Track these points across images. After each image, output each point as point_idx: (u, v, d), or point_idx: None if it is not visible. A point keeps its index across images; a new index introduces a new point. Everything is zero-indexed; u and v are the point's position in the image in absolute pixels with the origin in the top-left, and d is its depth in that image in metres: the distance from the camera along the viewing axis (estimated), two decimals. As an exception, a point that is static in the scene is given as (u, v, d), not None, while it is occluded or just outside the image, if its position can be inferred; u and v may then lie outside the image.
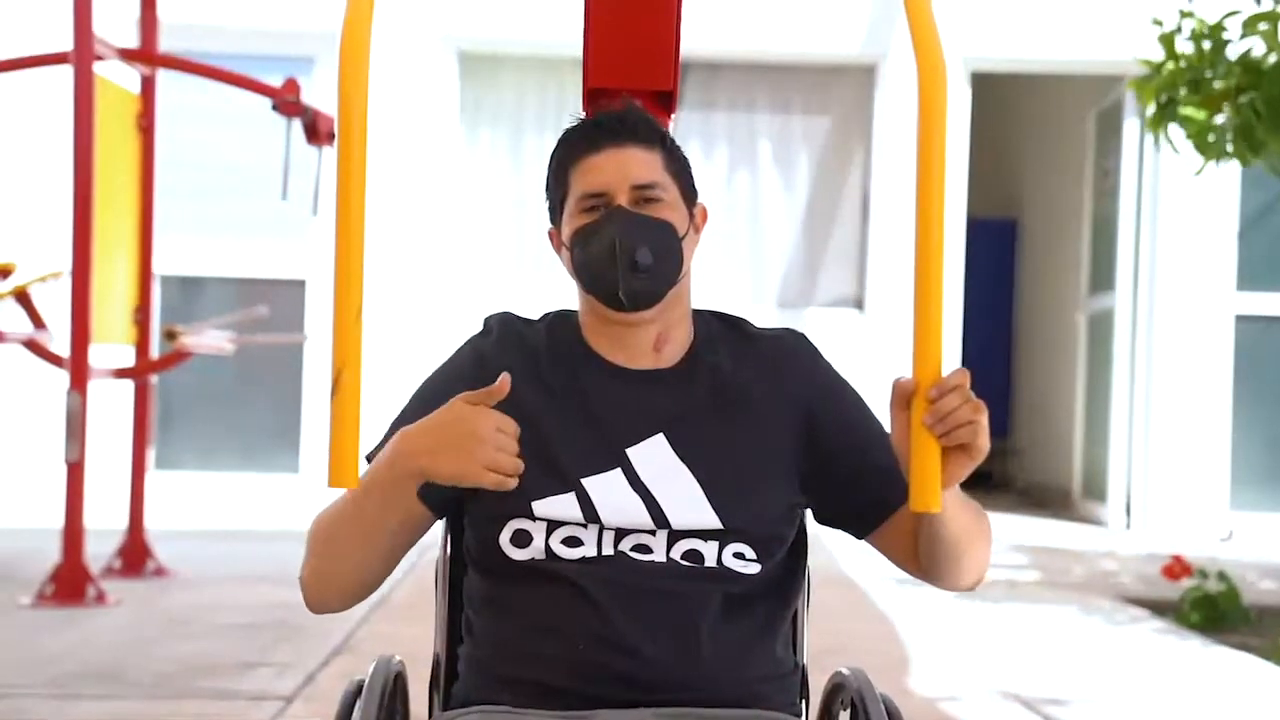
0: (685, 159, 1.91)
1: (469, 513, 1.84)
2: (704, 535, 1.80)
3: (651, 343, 1.87)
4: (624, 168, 1.82)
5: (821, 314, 8.48)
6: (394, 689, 1.82)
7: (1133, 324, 8.56)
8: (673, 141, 1.90)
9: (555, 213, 1.89)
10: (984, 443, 1.64)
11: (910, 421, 1.62)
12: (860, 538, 1.91)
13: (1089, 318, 9.26)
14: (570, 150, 1.86)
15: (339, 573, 1.80)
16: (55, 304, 5.93)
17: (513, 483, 1.65)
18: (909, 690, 4.21)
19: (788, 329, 1.97)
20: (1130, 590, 6.23)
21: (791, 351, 1.92)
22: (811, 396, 1.88)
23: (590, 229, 1.81)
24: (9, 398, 8.13)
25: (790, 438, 1.86)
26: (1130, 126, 8.49)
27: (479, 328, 1.93)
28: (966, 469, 1.65)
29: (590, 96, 2.14)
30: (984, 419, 1.63)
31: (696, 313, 1.94)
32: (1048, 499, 9.75)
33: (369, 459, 1.77)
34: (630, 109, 1.88)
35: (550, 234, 1.92)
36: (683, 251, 1.84)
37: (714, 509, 1.80)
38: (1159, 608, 5.75)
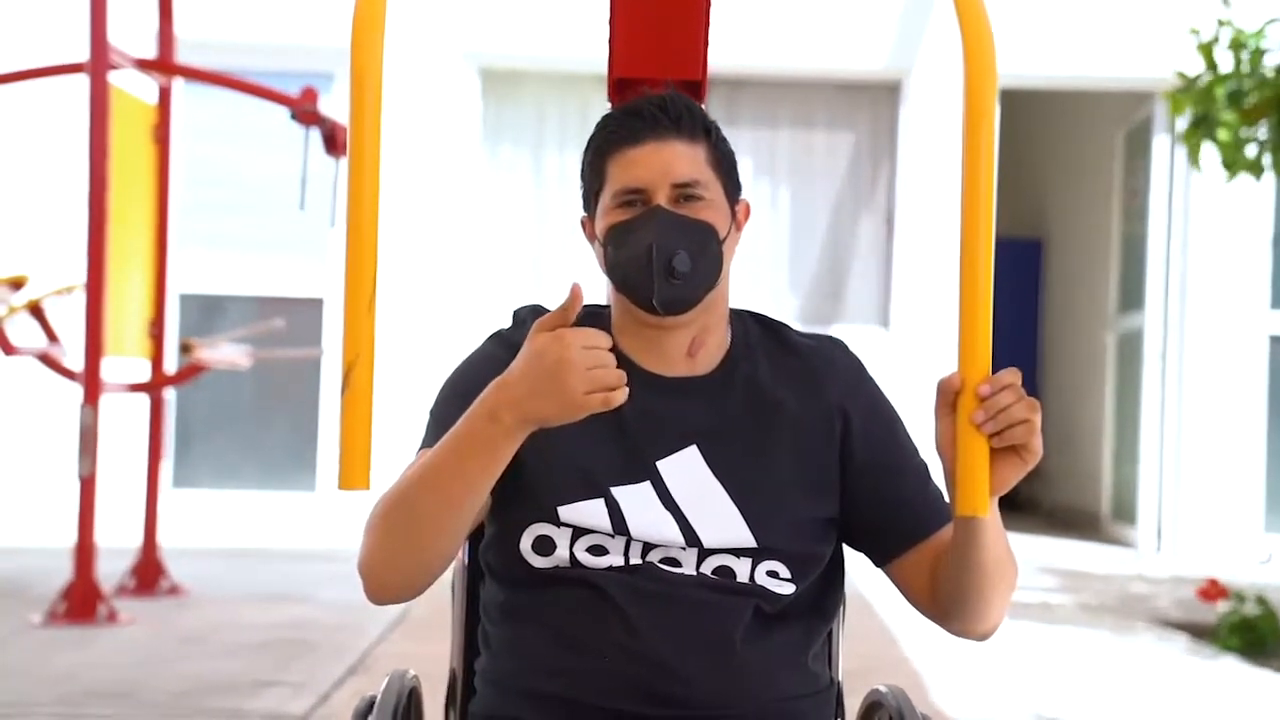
0: (730, 152, 1.78)
1: (490, 515, 1.74)
2: (737, 553, 1.71)
3: (686, 346, 1.77)
4: (665, 164, 1.70)
5: (846, 331, 8.38)
6: (408, 705, 1.72)
7: (1163, 343, 8.42)
8: (718, 133, 1.77)
9: (589, 201, 1.78)
10: (1038, 445, 1.55)
11: (957, 421, 1.52)
12: (879, 565, 1.80)
13: (1118, 337, 9.14)
14: (609, 139, 1.74)
15: (417, 550, 1.61)
16: (69, 317, 5.87)
17: (621, 396, 1.51)
18: (941, 712, 4.10)
19: (830, 337, 1.86)
20: (1165, 613, 6.11)
21: (833, 362, 1.81)
22: (851, 410, 1.77)
23: (626, 228, 1.70)
24: (22, 412, 8.07)
25: (828, 452, 1.76)
26: (1159, 145, 8.38)
27: (508, 323, 1.83)
28: (1018, 472, 1.56)
29: (616, 86, 2.04)
30: (1038, 419, 1.54)
31: (735, 313, 1.83)
32: (1076, 521, 9.62)
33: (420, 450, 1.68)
34: (674, 96, 1.75)
35: (583, 222, 1.80)
36: (722, 254, 1.72)
37: (748, 526, 1.70)
38: (1195, 631, 5.63)
